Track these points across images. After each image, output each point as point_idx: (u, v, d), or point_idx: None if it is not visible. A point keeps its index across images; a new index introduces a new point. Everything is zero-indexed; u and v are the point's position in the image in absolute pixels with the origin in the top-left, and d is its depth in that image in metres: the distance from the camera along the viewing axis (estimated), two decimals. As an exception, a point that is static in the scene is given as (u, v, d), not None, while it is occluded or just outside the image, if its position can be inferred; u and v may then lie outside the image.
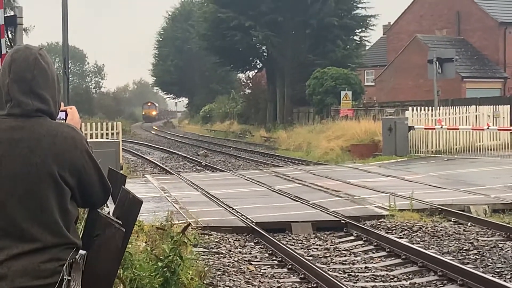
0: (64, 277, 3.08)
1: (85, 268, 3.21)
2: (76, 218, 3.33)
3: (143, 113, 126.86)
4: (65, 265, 3.13)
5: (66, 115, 3.64)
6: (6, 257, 3.09)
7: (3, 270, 3.09)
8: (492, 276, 9.43)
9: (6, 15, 14.74)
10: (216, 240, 12.46)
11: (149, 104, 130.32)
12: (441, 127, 28.19)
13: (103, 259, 3.29)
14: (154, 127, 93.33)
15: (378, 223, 13.58)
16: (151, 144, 48.62)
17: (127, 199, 3.59)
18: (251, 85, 67.18)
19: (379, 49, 64.49)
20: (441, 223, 13.57)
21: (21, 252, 3.10)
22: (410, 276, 9.95)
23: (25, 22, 16.45)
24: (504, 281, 9.12)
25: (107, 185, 3.40)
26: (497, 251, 11.25)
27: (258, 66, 61.94)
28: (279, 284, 9.65)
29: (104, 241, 3.28)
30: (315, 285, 9.40)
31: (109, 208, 3.81)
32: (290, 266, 10.50)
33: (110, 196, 3.55)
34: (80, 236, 3.38)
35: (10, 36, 16.02)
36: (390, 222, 13.63)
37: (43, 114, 3.25)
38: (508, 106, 31.72)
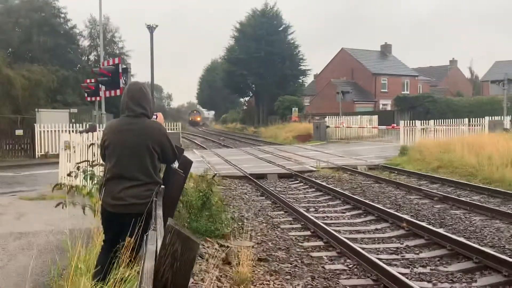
0: (154, 198, 3.10)
1: (164, 194, 3.23)
2: (160, 169, 3.35)
3: (190, 119, 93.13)
4: (154, 192, 3.14)
5: (157, 117, 3.68)
6: (122, 187, 3.11)
7: (121, 194, 3.10)
8: (369, 201, 9.47)
9: (122, 67, 14.66)
10: (228, 182, 12.45)
11: (195, 111, 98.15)
12: (343, 126, 28.20)
13: (173, 190, 3.30)
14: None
15: (311, 174, 13.59)
16: (196, 135, 48.43)
17: (185, 160, 3.61)
18: (246, 104, 66.79)
19: (312, 86, 64.04)
20: (343, 174, 13.58)
21: (129, 185, 3.11)
22: (327, 199, 9.99)
23: (132, 70, 16.34)
24: (372, 201, 9.15)
25: (176, 153, 3.41)
26: (371, 188, 11.28)
27: (250, 94, 61.68)
28: (261, 204, 9.65)
29: (174, 181, 3.28)
30: (279, 205, 9.39)
31: (176, 165, 3.83)
32: (267, 196, 10.52)
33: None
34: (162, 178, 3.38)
35: (124, 78, 15.83)
36: (317, 174, 13.67)
37: (144, 116, 3.27)
38: (377, 116, 31.93)
